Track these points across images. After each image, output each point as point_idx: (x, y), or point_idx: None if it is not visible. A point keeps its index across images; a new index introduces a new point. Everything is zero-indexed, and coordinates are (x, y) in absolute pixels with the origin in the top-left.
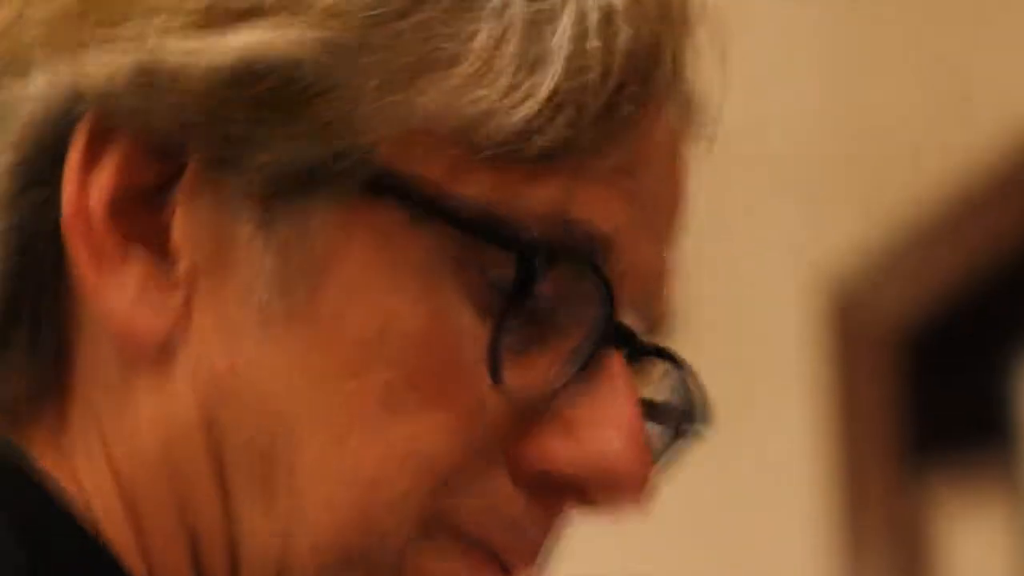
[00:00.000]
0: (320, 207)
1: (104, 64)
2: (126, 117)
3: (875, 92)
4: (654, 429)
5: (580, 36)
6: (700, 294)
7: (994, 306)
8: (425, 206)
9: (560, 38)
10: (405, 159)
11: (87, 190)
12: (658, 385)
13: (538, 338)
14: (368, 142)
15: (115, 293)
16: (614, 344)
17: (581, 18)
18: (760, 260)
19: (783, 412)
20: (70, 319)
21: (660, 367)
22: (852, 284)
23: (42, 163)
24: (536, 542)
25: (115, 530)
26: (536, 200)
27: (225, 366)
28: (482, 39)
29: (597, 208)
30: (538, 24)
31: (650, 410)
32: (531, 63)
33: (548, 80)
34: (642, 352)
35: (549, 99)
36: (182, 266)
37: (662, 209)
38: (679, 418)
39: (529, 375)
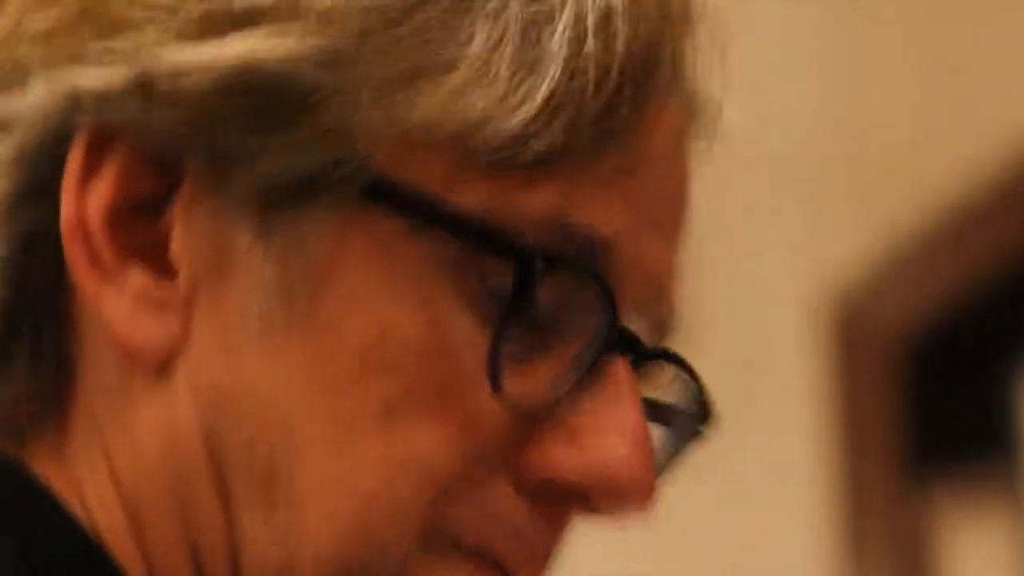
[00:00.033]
0: (318, 216)
1: (101, 74)
2: (123, 128)
3: (875, 92)
4: (659, 431)
5: (578, 38)
6: (702, 302)
7: (997, 316)
8: (422, 214)
9: (557, 41)
10: (402, 166)
11: (86, 201)
12: (663, 387)
13: (539, 345)
14: (365, 149)
15: (115, 303)
16: (617, 350)
17: (579, 20)
18: (762, 268)
19: (785, 422)
20: (71, 330)
21: (665, 370)
22: (854, 294)
23: (41, 174)
24: (540, 550)
25: (117, 540)
26: (534, 205)
27: (225, 375)
28: (478, 44)
29: (597, 211)
30: (535, 27)
31: (656, 412)
32: (528, 67)
33: (545, 84)
34: (646, 356)
35: (546, 103)
36: (182, 276)
37: (666, 209)
38: (685, 421)
39: (531, 383)
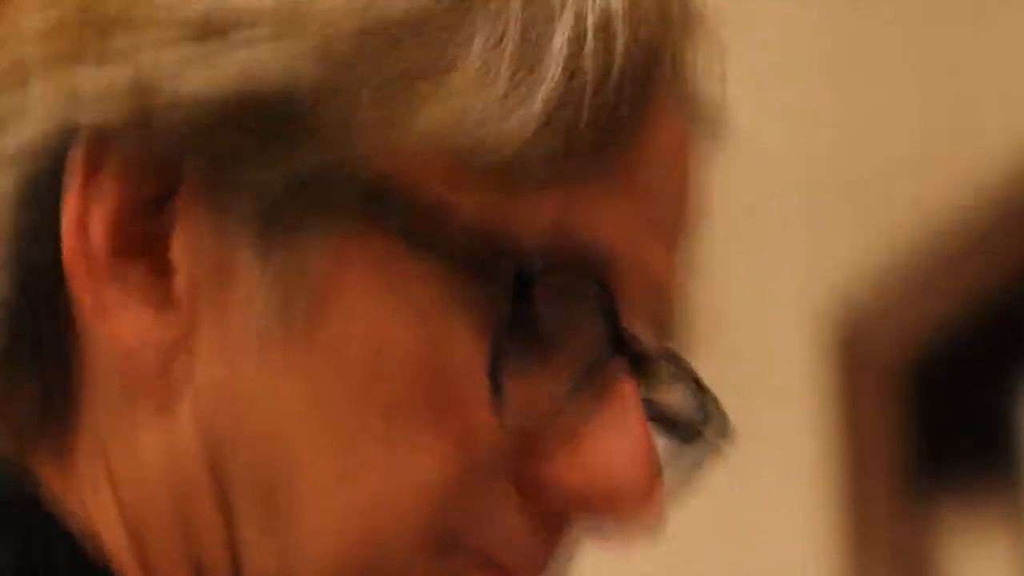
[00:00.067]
0: (317, 230)
1: (100, 80)
2: (123, 135)
3: (875, 93)
4: (666, 437)
5: (578, 39)
6: (703, 317)
7: (1000, 332)
8: (421, 228)
9: (558, 41)
10: (400, 176)
11: (86, 216)
12: (670, 394)
13: (541, 354)
14: (363, 158)
15: (116, 319)
16: (620, 359)
17: (579, 20)
18: (764, 283)
19: (788, 437)
20: (74, 345)
21: (670, 375)
22: (858, 310)
23: (40, 184)
24: (545, 561)
25: (120, 555)
26: (534, 210)
27: (226, 393)
28: (478, 45)
29: (599, 214)
30: (535, 28)
31: (663, 419)
32: (528, 68)
33: (545, 84)
34: (652, 365)
35: (546, 104)
36: (182, 291)
37: (669, 212)
38: (692, 427)
39: (532, 394)
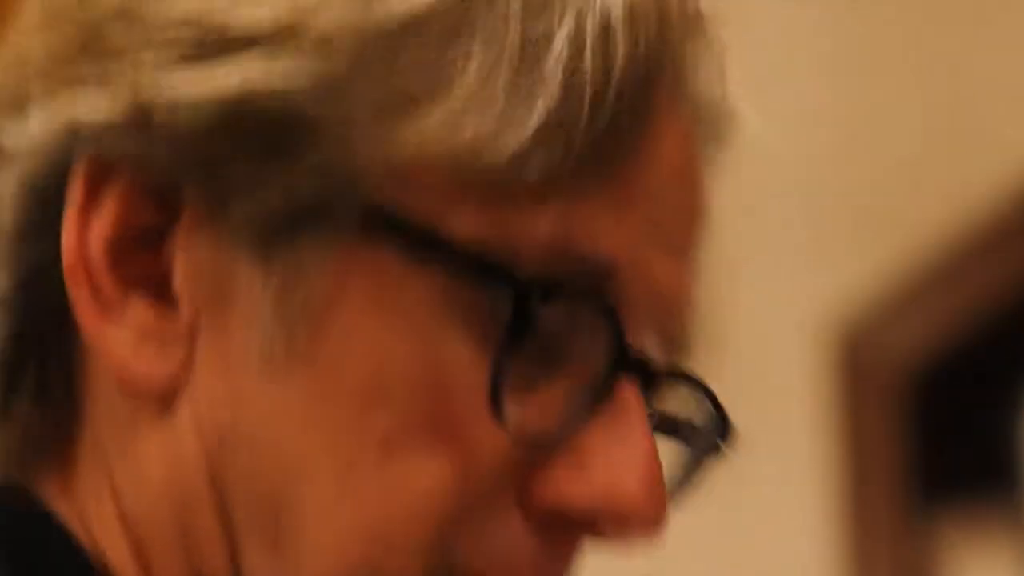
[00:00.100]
0: (316, 249)
1: (99, 101)
2: (122, 159)
3: (876, 93)
4: (673, 444)
5: (576, 56)
6: (706, 333)
7: (1001, 347)
8: (419, 245)
9: (556, 55)
10: (399, 193)
11: (86, 234)
12: (678, 403)
13: (544, 371)
14: (362, 176)
15: (117, 339)
16: (625, 373)
17: (578, 36)
18: (766, 298)
19: (790, 453)
20: (77, 363)
21: (677, 387)
22: (860, 325)
23: (42, 207)
24: None
25: (123, 568)
26: (534, 228)
27: (227, 409)
28: (475, 61)
29: (601, 228)
30: (533, 46)
31: (669, 427)
32: (525, 84)
33: (543, 102)
34: (657, 377)
35: (544, 121)
36: (184, 310)
37: (676, 220)
38: (699, 436)
39: (536, 411)
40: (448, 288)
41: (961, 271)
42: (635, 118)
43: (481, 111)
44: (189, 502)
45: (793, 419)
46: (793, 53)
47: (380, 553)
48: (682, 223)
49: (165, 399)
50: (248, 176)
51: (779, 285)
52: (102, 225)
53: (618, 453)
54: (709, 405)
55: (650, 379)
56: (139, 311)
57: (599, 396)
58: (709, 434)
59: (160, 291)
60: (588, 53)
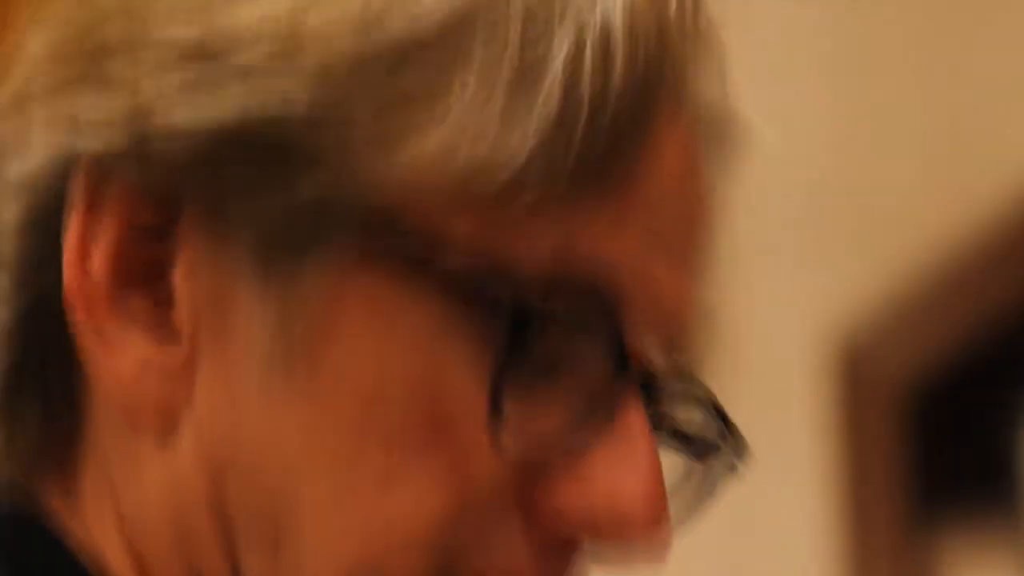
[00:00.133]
0: (316, 259)
1: (99, 107)
2: (122, 165)
3: (875, 93)
4: (680, 455)
5: (575, 77)
6: (709, 333)
7: (1002, 359)
8: (419, 255)
9: (555, 64)
10: (398, 203)
11: (87, 246)
12: (683, 412)
13: (545, 382)
14: (361, 186)
15: (117, 349)
16: (627, 383)
17: (576, 57)
18: (767, 310)
19: (790, 463)
20: (78, 373)
21: (684, 395)
22: (861, 337)
23: (46, 211)
24: None
25: None
26: (534, 235)
27: (227, 427)
28: (475, 72)
29: (601, 236)
30: (531, 70)
31: (677, 438)
32: (524, 94)
33: (541, 109)
34: (660, 387)
35: (542, 129)
36: (183, 320)
37: (678, 228)
38: (706, 445)
39: (536, 421)
40: (447, 298)
41: (964, 279)
42: (634, 131)
43: (480, 122)
44: (189, 514)
45: (794, 426)
46: (793, 53)
47: (378, 562)
48: (683, 232)
49: (165, 418)
50: (247, 187)
51: (780, 290)
52: (103, 230)
53: (620, 463)
54: (714, 416)
55: (652, 389)
56: (139, 343)
57: (600, 406)
58: (715, 444)
59: (160, 320)
60: (587, 74)
